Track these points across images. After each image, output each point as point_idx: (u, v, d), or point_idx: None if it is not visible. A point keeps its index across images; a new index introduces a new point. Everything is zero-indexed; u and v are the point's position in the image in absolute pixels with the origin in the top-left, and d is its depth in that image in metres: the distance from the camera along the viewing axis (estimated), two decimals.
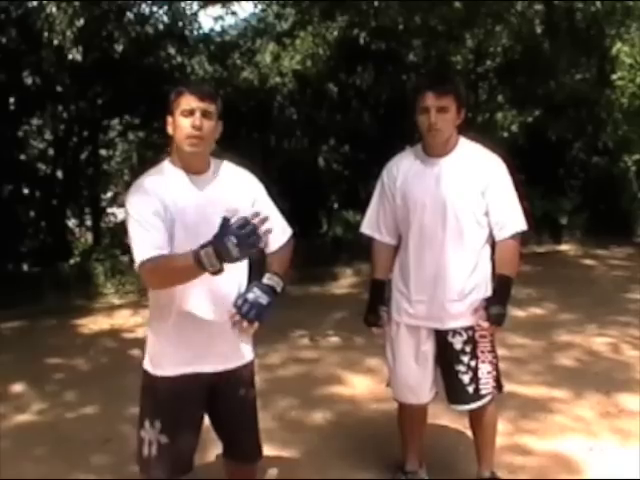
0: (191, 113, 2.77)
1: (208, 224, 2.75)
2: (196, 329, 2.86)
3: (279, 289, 2.94)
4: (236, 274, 2.90)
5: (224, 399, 3.01)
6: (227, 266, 2.64)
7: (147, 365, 2.97)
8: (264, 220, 2.54)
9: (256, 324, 2.85)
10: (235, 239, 2.44)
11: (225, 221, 2.50)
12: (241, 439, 3.13)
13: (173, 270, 2.66)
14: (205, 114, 2.79)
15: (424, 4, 9.81)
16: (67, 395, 5.43)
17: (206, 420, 3.09)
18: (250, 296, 2.82)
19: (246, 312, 2.80)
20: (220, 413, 3.04)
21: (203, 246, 2.48)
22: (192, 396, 2.94)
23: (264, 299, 2.83)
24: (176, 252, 2.71)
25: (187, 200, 2.82)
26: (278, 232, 3.06)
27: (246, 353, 3.03)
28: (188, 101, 2.79)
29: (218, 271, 2.51)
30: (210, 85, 3.24)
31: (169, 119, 2.86)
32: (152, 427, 2.91)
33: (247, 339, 3.01)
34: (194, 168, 2.87)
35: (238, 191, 2.94)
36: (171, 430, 2.91)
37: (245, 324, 2.82)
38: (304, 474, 4.00)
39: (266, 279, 2.93)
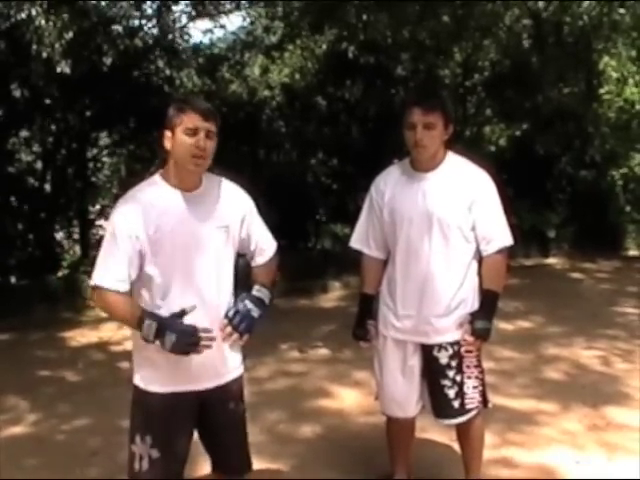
0: (195, 132, 2.77)
1: (198, 240, 2.81)
2: None
3: (268, 301, 2.97)
4: (223, 294, 2.93)
5: (214, 413, 3.01)
6: (214, 283, 2.85)
7: (137, 381, 2.95)
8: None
9: (246, 336, 2.88)
10: (175, 338, 2.68)
11: (182, 313, 2.73)
12: (231, 452, 3.13)
13: (116, 315, 2.86)
14: (208, 134, 2.79)
15: (413, 18, 9.88)
16: (57, 407, 5.43)
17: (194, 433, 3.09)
18: (241, 308, 2.87)
19: (237, 324, 2.86)
20: (210, 427, 3.04)
21: (151, 316, 2.71)
22: (183, 411, 2.93)
23: (255, 312, 2.89)
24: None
25: (178, 217, 2.82)
26: (264, 247, 3.12)
27: (235, 368, 3.04)
28: (192, 120, 2.77)
29: (148, 341, 2.73)
30: (202, 98, 3.22)
31: (167, 133, 2.82)
32: (143, 442, 2.90)
33: (237, 353, 3.02)
34: (188, 185, 2.87)
35: (229, 207, 2.96)
36: (162, 444, 2.90)
37: (236, 336, 2.85)
38: None
39: (255, 291, 2.97)
